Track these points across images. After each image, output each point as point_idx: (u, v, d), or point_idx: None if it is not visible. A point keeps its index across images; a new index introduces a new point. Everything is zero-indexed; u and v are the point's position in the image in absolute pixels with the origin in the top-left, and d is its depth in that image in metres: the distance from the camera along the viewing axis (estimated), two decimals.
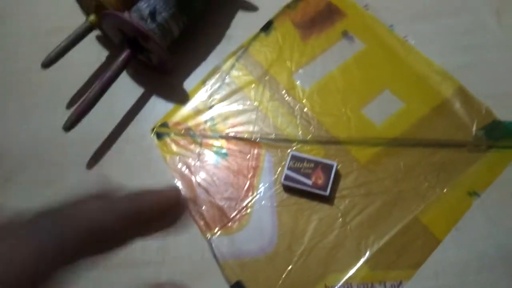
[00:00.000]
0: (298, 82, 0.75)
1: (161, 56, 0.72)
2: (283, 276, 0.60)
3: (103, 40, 0.82)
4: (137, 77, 0.79)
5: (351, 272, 0.59)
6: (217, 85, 0.77)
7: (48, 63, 0.75)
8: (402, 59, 0.74)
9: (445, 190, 0.63)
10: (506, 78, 0.71)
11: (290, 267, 0.61)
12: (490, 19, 0.76)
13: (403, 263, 0.59)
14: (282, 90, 0.75)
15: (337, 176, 0.66)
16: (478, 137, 0.67)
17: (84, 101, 0.69)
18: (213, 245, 0.63)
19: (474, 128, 0.68)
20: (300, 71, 0.76)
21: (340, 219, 0.63)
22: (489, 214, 0.61)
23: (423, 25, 0.77)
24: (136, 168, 0.70)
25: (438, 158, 0.66)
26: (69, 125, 0.68)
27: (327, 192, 0.63)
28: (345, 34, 0.78)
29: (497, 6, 0.77)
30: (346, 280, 0.59)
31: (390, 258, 0.60)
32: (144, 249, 0.64)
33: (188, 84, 0.77)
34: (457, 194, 0.63)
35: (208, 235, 0.64)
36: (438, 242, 0.60)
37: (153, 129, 0.74)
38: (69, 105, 0.79)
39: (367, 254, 0.60)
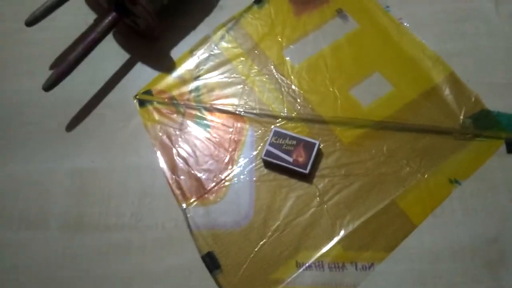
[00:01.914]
0: (288, 58, 0.73)
1: (148, 21, 0.70)
2: (256, 249, 0.60)
3: (92, 3, 0.80)
4: (123, 43, 0.77)
5: (324, 250, 0.59)
6: (205, 55, 0.75)
7: (32, 21, 0.72)
8: (395, 41, 0.73)
9: (426, 176, 0.63)
10: (499, 68, 0.70)
11: (263, 241, 0.60)
12: (488, 6, 0.74)
13: (376, 245, 0.59)
14: (271, 65, 0.73)
15: (319, 155, 0.65)
16: (465, 125, 0.66)
17: (66, 62, 0.68)
18: (188, 215, 0.62)
19: (461, 116, 0.67)
20: (291, 47, 0.74)
21: (318, 198, 0.63)
22: (467, 204, 0.61)
23: (420, 8, 0.75)
24: (116, 134, 0.69)
25: (423, 143, 0.65)
26: (49, 85, 0.66)
27: (307, 170, 0.62)
28: (339, 12, 0.76)
29: None
30: (318, 257, 0.59)
31: (364, 239, 0.59)
32: (119, 214, 0.63)
33: (176, 52, 0.76)
34: (438, 181, 0.62)
35: (184, 204, 0.63)
36: (414, 227, 0.60)
37: (136, 96, 0.72)
38: (52, 66, 0.77)
39: (342, 233, 0.60)
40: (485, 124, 0.66)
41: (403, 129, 0.66)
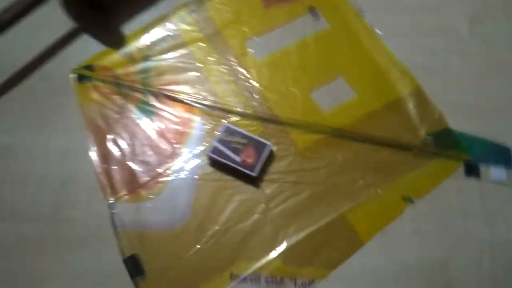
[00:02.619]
0: (250, 50, 0.67)
1: None
2: (187, 256, 0.53)
3: None
4: (71, 10, 0.68)
5: (262, 262, 0.54)
6: (161, 35, 0.68)
7: None
8: (365, 47, 0.69)
9: (379, 191, 0.59)
10: (466, 88, 0.67)
11: (197, 247, 0.54)
12: (463, 25, 0.72)
13: (319, 261, 0.54)
14: (231, 56, 0.67)
15: (271, 158, 0.60)
16: (426, 142, 0.63)
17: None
18: (114, 211, 0.55)
19: (423, 132, 0.63)
20: (255, 38, 0.69)
21: (263, 204, 0.57)
22: (418, 224, 0.57)
23: (394, 18, 0.72)
24: (45, 110, 0.61)
25: (380, 157, 0.61)
26: None
27: (255, 173, 0.56)
28: (311, 9, 0.71)
29: (472, 14, 0.72)
30: (255, 269, 0.53)
31: (306, 253, 0.54)
32: (35, 203, 0.55)
33: (128, 28, 0.68)
34: (392, 197, 0.58)
35: (111, 199, 0.56)
36: (361, 244, 0.56)
37: (74, 70, 0.64)
38: None
39: (284, 245, 0.55)
40: (446, 143, 0.63)
41: (361, 140, 0.62)
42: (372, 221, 0.57)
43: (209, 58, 0.67)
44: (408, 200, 0.58)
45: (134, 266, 0.52)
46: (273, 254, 0.54)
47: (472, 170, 0.61)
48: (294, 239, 0.55)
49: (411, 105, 0.65)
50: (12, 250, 0.53)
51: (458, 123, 0.65)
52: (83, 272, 0.52)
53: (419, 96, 0.66)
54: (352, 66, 0.68)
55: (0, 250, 0.53)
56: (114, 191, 0.56)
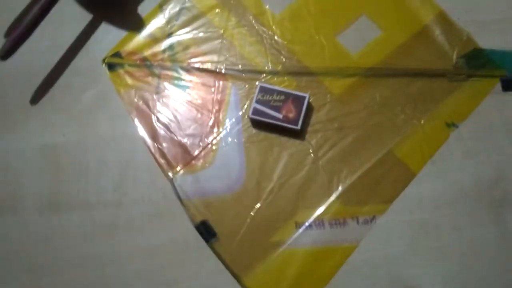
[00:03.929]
0: (267, 7, 0.67)
1: None
2: (252, 214, 0.56)
3: None
4: (85, 2, 0.69)
5: (323, 208, 0.56)
6: (176, 9, 0.68)
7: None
8: None
9: (422, 122, 0.60)
10: (489, 5, 0.66)
11: (258, 205, 0.57)
12: None
13: (376, 198, 0.56)
14: (250, 16, 0.67)
15: (309, 109, 0.61)
16: (459, 65, 0.63)
17: (22, 25, 0.60)
18: (175, 184, 0.58)
19: (454, 56, 0.63)
20: None
21: (312, 155, 0.59)
22: (466, 147, 0.59)
23: None
24: (86, 103, 0.63)
25: (416, 88, 0.62)
26: (5, 52, 0.59)
27: (299, 126, 0.58)
28: None
29: None
30: (318, 216, 0.56)
31: (363, 193, 0.57)
32: (99, 190, 0.58)
33: (143, 9, 0.68)
34: (435, 126, 0.59)
35: (170, 174, 0.59)
36: (413, 176, 0.57)
37: (104, 60, 0.65)
38: (7, 34, 0.68)
39: (340, 189, 0.57)
40: (479, 63, 0.63)
41: (395, 75, 0.63)
42: (420, 151, 0.58)
43: (228, 22, 0.67)
44: (451, 125, 0.60)
45: (206, 230, 0.55)
46: (331, 199, 0.57)
47: (509, 85, 0.61)
48: (348, 181, 0.57)
49: (437, 31, 0.65)
50: (88, 235, 0.56)
51: (486, 41, 0.64)
52: (158, 246, 0.56)
53: (444, 20, 0.65)
54: (372, 2, 0.67)
55: (78, 237, 0.56)
56: (171, 166, 0.59)
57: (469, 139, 0.59)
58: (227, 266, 0.54)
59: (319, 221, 0.56)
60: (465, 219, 0.55)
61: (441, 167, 0.57)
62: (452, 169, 0.57)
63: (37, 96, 0.64)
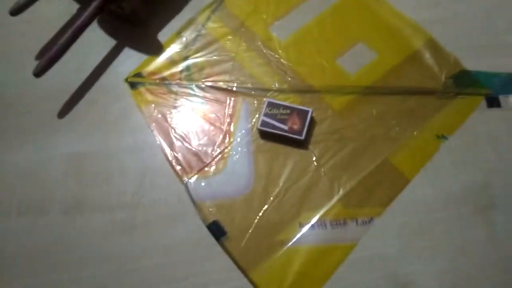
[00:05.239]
0: (274, 34, 0.75)
1: (134, 4, 0.71)
2: (259, 215, 0.61)
3: None
4: (110, 29, 0.77)
5: (325, 209, 0.61)
6: (193, 36, 0.76)
7: (16, 11, 0.72)
8: (375, 12, 0.76)
9: (415, 133, 0.66)
10: (473, 32, 0.74)
11: (266, 207, 0.62)
12: None
13: (374, 201, 0.61)
14: (259, 42, 0.75)
15: (312, 122, 0.67)
16: (447, 85, 0.69)
17: (55, 47, 0.68)
18: (189, 188, 0.63)
19: (443, 77, 0.70)
20: (276, 23, 0.76)
21: (315, 162, 0.65)
22: (455, 156, 0.64)
23: None
24: (109, 117, 0.70)
25: (409, 104, 0.68)
26: (40, 70, 0.66)
27: (303, 136, 0.64)
28: None
29: None
30: (320, 217, 0.61)
31: (362, 196, 0.62)
32: (119, 193, 0.64)
33: (163, 35, 0.77)
34: (426, 137, 0.65)
35: (185, 179, 0.64)
36: (407, 182, 0.62)
37: (126, 79, 0.73)
38: (39, 56, 0.77)
39: (340, 193, 0.62)
40: (465, 83, 0.69)
41: (389, 93, 0.69)
42: (414, 160, 0.64)
43: (239, 47, 0.75)
44: (441, 137, 0.65)
45: (217, 229, 0.60)
46: (333, 201, 0.62)
47: (493, 102, 0.68)
48: (348, 186, 0.63)
49: (427, 55, 0.72)
50: (108, 234, 0.61)
51: (472, 64, 0.71)
52: (172, 244, 0.60)
53: (433, 46, 0.73)
54: (368, 30, 0.75)
55: (99, 236, 0.61)
56: (185, 172, 0.65)
57: (458, 149, 0.64)
58: (235, 262, 0.59)
59: (321, 221, 0.60)
60: (455, 221, 0.60)
61: (433, 174, 0.63)
62: (443, 176, 0.63)
63: (65, 110, 0.71)
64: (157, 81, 0.72)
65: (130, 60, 0.75)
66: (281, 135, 0.65)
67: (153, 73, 0.73)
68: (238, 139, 0.67)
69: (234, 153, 0.66)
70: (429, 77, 0.70)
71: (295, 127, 0.65)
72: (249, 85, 0.71)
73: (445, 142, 0.65)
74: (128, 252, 0.60)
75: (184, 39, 0.76)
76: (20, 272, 0.60)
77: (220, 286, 0.58)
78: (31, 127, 0.70)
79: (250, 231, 0.60)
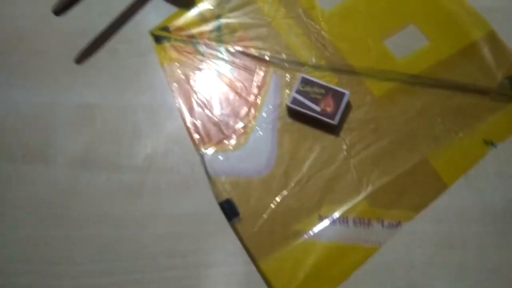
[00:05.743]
0: (318, 2, 0.68)
1: None
2: (277, 200, 0.56)
3: None
4: None
5: (349, 205, 0.56)
6: None
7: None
8: None
9: (460, 134, 0.59)
10: None
11: (285, 192, 0.57)
12: None
13: (404, 203, 0.56)
14: (299, 8, 0.67)
15: (347, 106, 0.61)
16: (503, 85, 0.62)
17: None
18: (205, 160, 0.58)
19: (500, 76, 0.62)
20: None
21: (344, 152, 0.59)
22: (502, 166, 0.58)
23: None
24: (129, 70, 0.64)
25: (458, 101, 0.61)
26: (60, 9, 0.60)
27: (336, 121, 0.58)
28: None
29: None
30: (343, 212, 0.55)
31: (392, 196, 0.56)
32: (130, 155, 0.59)
33: None
34: (473, 141, 0.59)
35: (202, 149, 0.59)
36: (445, 187, 0.56)
37: (151, 32, 0.66)
38: None
39: (368, 189, 0.57)
40: None
41: (437, 85, 0.62)
42: (455, 164, 0.57)
43: (277, 12, 0.67)
44: (489, 143, 0.59)
45: (230, 208, 0.55)
46: (359, 197, 0.56)
47: None
48: (379, 183, 0.57)
49: (485, 50, 0.64)
50: (114, 196, 0.57)
51: None
52: (179, 215, 0.56)
53: (494, 40, 0.65)
54: (422, 13, 0.67)
55: (104, 196, 0.57)
56: (203, 142, 0.59)
57: (506, 161, 0.58)
58: (245, 247, 0.54)
59: (344, 217, 0.55)
60: (491, 238, 0.54)
61: (474, 183, 0.56)
62: (485, 187, 0.56)
63: (83, 56, 0.65)
64: (184, 38, 0.66)
65: (158, 11, 0.68)
66: (311, 116, 0.59)
67: (180, 28, 0.66)
68: (264, 114, 0.61)
69: (258, 128, 0.60)
70: (484, 74, 0.63)
71: (329, 109, 0.58)
72: (283, 56, 0.64)
73: (493, 149, 0.58)
74: (132, 217, 0.56)
75: None
76: (12, 222, 0.57)
77: (223, 268, 0.54)
78: (44, 69, 0.64)
79: (264, 216, 0.55)
